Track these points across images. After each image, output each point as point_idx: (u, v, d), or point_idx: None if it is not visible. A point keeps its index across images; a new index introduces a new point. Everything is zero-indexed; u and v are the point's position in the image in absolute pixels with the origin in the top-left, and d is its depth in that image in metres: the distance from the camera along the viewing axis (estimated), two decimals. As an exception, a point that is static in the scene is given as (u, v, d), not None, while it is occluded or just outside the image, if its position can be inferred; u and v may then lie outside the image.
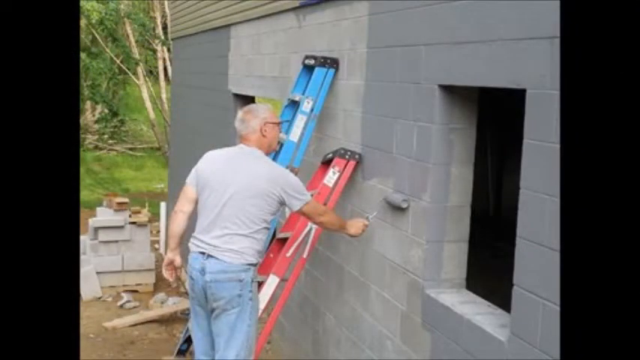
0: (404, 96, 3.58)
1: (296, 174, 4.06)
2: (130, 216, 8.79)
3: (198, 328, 3.84)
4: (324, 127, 4.67)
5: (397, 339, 3.66)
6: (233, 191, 3.61)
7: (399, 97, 3.63)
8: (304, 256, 4.20)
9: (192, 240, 3.74)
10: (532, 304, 2.59)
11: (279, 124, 3.94)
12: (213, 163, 3.77)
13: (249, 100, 6.72)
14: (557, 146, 2.43)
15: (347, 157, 4.13)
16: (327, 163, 4.26)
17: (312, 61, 4.53)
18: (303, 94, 4.53)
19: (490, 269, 5.03)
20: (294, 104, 4.62)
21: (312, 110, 4.48)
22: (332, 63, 4.45)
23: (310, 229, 4.15)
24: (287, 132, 4.52)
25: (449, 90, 3.28)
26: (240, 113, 3.82)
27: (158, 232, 11.11)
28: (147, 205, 12.44)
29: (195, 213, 3.78)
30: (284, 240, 4.26)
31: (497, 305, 3.19)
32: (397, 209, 3.63)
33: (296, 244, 4.16)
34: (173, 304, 7.85)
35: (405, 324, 3.58)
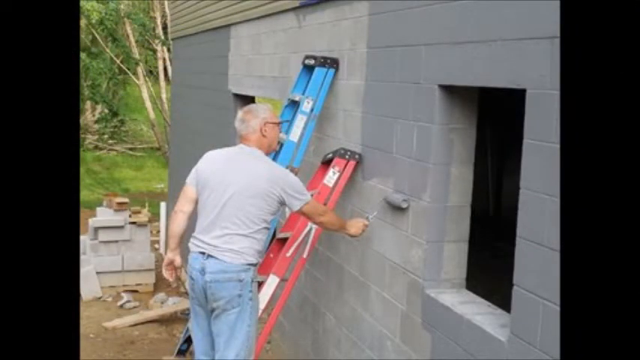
0: (404, 96, 3.58)
1: (296, 174, 4.06)
2: (130, 216, 8.79)
3: (198, 328, 3.84)
4: (324, 127, 4.67)
5: (397, 339, 3.66)
6: (233, 191, 3.61)
7: (399, 97, 3.63)
8: (304, 256, 4.20)
9: (192, 240, 3.74)
10: (532, 304, 2.59)
11: (279, 124, 3.94)
12: (213, 163, 3.77)
13: (249, 100, 6.72)
14: (557, 146, 2.43)
15: (347, 157, 4.13)
16: (327, 163, 4.26)
17: (312, 61, 4.53)
18: (303, 94, 4.53)
19: (490, 269, 5.04)
20: (294, 104, 4.62)
21: (312, 110, 4.48)
22: (332, 63, 4.45)
23: (310, 229, 4.15)
24: (287, 132, 4.52)
25: (449, 90, 3.28)
26: (240, 113, 3.82)
27: (158, 232, 11.12)
28: (147, 205, 12.45)
29: (196, 213, 3.78)
30: (284, 240, 4.26)
31: (497, 305, 3.19)
32: (397, 209, 3.63)
33: (296, 244, 4.16)
34: (173, 304, 7.85)
35: (405, 324, 3.58)
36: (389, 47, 3.77)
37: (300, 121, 4.48)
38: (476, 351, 2.96)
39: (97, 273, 8.44)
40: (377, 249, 3.91)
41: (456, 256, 3.43)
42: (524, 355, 2.63)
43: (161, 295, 8.17)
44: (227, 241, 3.60)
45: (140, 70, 18.29)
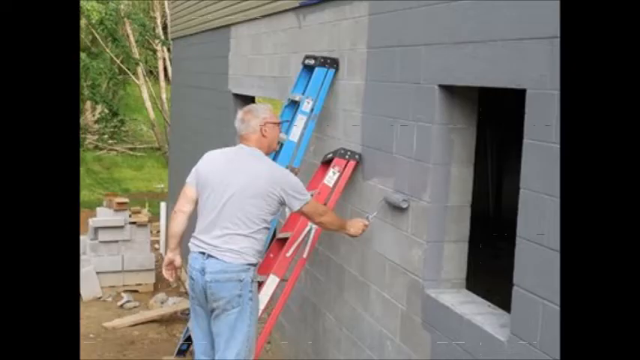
0: (404, 96, 3.58)
1: (296, 174, 4.06)
2: (130, 216, 8.80)
3: (198, 328, 3.84)
4: (324, 127, 4.67)
5: (397, 339, 3.66)
6: (233, 191, 3.61)
7: (399, 97, 3.63)
8: (304, 256, 4.20)
9: (192, 240, 3.74)
10: (532, 304, 2.59)
11: (279, 124, 3.94)
12: (213, 163, 3.77)
13: (249, 100, 6.72)
14: (557, 146, 2.43)
15: (347, 157, 4.13)
16: (327, 163, 4.26)
17: (312, 61, 4.53)
18: (303, 94, 4.53)
19: (490, 269, 5.03)
20: (294, 104, 4.62)
21: (312, 110, 4.48)
22: (332, 63, 4.45)
23: (310, 229, 4.15)
24: (287, 132, 4.52)
25: (449, 90, 3.28)
26: (240, 113, 3.82)
27: (158, 232, 11.12)
28: (147, 205, 12.45)
29: (196, 213, 3.78)
30: (284, 240, 4.26)
31: (497, 305, 3.19)
32: (397, 209, 3.63)
33: (296, 244, 4.16)
34: (173, 304, 7.85)
35: (405, 324, 3.58)
36: (389, 47, 3.77)
37: (300, 121, 4.48)
38: (476, 351, 2.96)
39: (97, 273, 8.44)
40: (377, 249, 3.91)
41: (456, 256, 3.43)
42: (524, 355, 2.63)
43: (161, 295, 8.17)
44: (227, 241, 3.60)
45: (140, 70, 18.31)
